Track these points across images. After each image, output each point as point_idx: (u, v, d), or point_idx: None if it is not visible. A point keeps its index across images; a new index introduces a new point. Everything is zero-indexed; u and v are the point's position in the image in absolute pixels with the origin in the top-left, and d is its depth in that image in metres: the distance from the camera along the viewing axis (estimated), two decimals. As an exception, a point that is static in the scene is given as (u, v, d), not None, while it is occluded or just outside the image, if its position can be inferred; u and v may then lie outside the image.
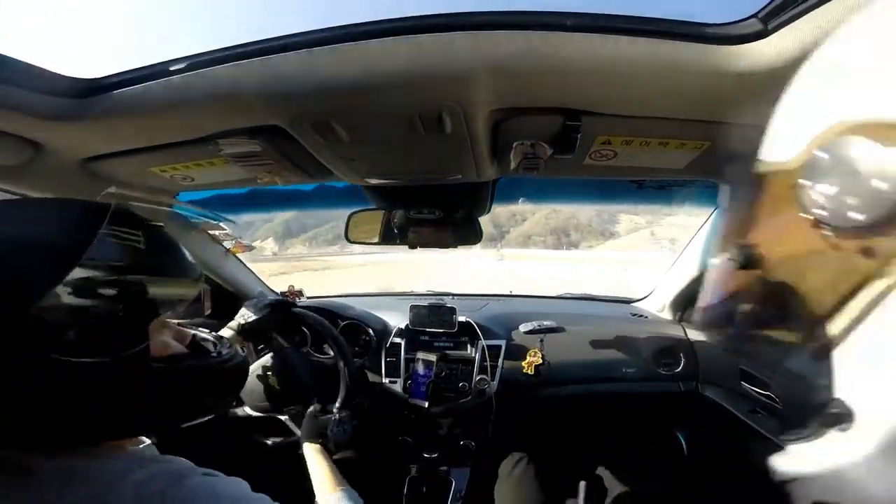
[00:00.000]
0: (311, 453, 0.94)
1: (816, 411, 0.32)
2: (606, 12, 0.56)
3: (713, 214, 1.28)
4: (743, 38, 0.56)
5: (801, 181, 0.31)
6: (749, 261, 0.37)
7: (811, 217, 0.30)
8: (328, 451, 0.96)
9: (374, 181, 1.08)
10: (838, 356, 0.30)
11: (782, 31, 0.53)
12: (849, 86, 0.30)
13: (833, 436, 0.30)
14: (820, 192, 0.29)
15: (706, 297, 0.48)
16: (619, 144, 0.82)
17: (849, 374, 0.30)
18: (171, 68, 0.68)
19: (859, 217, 0.26)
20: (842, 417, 0.29)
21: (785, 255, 0.35)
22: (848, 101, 0.30)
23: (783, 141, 0.36)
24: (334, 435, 0.97)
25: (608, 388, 1.43)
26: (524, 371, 1.41)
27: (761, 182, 0.38)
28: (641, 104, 0.69)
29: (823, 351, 0.31)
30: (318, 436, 0.98)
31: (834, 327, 0.30)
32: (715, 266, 0.45)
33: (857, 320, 0.29)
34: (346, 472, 1.11)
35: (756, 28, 0.55)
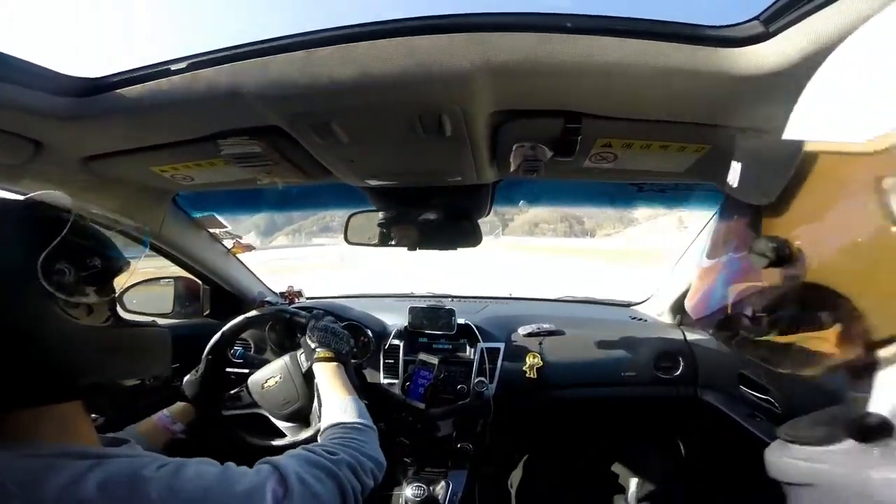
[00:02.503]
0: (324, 367, 0.93)
1: (840, 424, 0.29)
2: (607, 14, 0.56)
3: (713, 218, 1.28)
4: (744, 41, 0.56)
5: (889, 170, 0.24)
6: (784, 257, 0.31)
7: None
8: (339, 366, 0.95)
9: (373, 182, 1.08)
10: (885, 377, 0.27)
11: (784, 33, 0.53)
12: None
13: (858, 449, 0.27)
14: None
15: (714, 298, 0.43)
16: (619, 147, 0.82)
17: (889, 394, 0.27)
18: (172, 68, 0.68)
19: None
20: (874, 433, 0.26)
21: (842, 256, 0.29)
22: None
23: (853, 117, 0.28)
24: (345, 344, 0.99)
25: (607, 391, 1.42)
26: (526, 375, 1.41)
27: (811, 166, 0.31)
28: (642, 107, 0.69)
29: (862, 367, 0.28)
30: (331, 348, 0.97)
31: (890, 347, 0.26)
32: (730, 263, 0.40)
33: None
34: None
35: (758, 31, 0.55)
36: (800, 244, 0.31)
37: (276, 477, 0.51)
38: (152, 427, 0.91)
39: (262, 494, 0.48)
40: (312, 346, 0.98)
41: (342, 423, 0.74)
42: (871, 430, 0.26)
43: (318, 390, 0.91)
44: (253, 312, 1.19)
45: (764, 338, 0.35)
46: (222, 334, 1.15)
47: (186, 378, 1.12)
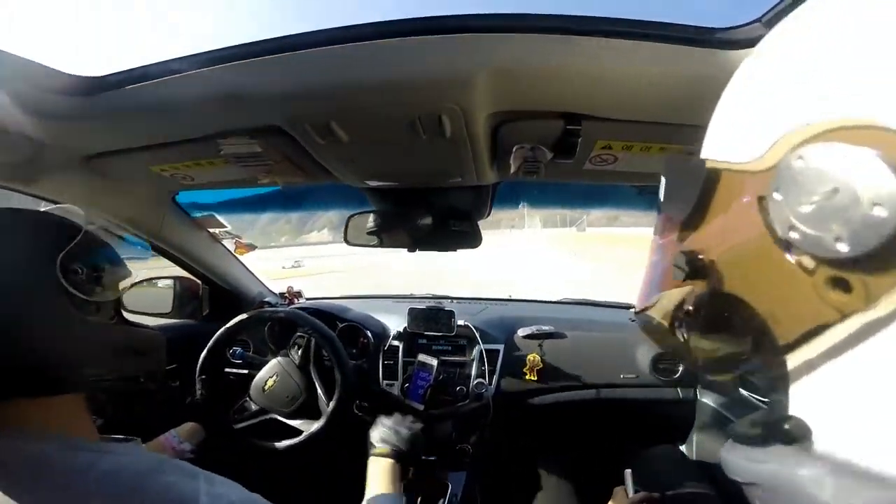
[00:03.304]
0: (376, 462, 0.94)
1: (770, 426, 0.30)
2: (607, 16, 0.56)
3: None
4: (745, 43, 0.56)
5: (769, 190, 0.26)
6: (694, 271, 0.32)
7: (777, 235, 0.25)
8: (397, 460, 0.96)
9: (373, 183, 1.08)
10: (797, 383, 0.28)
11: None
12: (848, 79, 0.24)
13: (786, 450, 0.28)
14: (793, 210, 0.24)
15: (648, 298, 0.43)
16: (619, 149, 0.82)
17: (803, 399, 0.28)
18: (173, 67, 0.68)
19: (843, 248, 0.22)
20: (796, 435, 0.27)
21: (738, 270, 0.30)
22: (840, 96, 0.24)
23: (744, 135, 0.30)
24: (407, 443, 0.98)
25: (606, 393, 1.42)
26: (527, 377, 1.40)
27: (712, 180, 0.33)
28: (642, 108, 0.69)
29: (777, 376, 0.29)
30: (390, 445, 0.97)
31: (793, 355, 0.27)
32: (659, 268, 0.41)
33: (825, 355, 0.25)
34: (342, 473, 1.08)
35: (759, 33, 0.55)
36: (710, 257, 0.32)
37: None
38: (159, 447, 0.93)
39: None
40: (372, 440, 0.99)
41: None
42: (791, 433, 0.27)
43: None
44: (235, 320, 1.20)
45: (684, 339, 0.37)
46: (209, 351, 1.16)
47: (189, 401, 1.13)
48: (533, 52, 0.57)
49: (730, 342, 0.33)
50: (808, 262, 0.24)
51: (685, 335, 0.36)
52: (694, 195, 0.34)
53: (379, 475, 0.90)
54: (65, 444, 0.44)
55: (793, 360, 0.27)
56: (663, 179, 0.40)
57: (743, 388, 1.15)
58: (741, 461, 0.33)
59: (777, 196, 0.25)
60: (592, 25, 0.56)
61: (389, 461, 0.93)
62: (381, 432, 0.98)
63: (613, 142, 0.79)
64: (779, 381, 0.28)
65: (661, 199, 0.40)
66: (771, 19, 0.54)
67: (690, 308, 0.35)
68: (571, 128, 0.73)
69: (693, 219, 0.34)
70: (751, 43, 0.55)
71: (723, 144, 0.33)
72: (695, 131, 0.73)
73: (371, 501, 0.82)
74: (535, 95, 0.67)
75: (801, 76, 0.27)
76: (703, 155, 0.36)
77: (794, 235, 0.24)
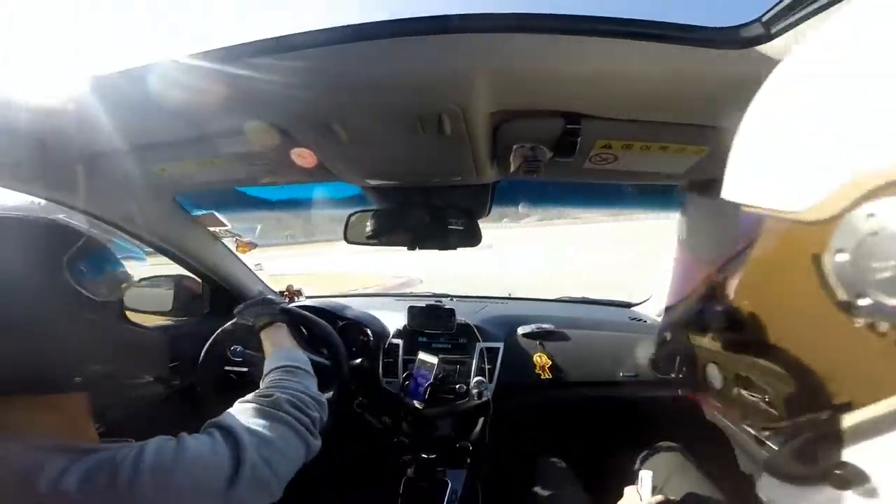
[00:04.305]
0: (264, 333, 0.96)
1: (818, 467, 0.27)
2: (607, 15, 0.56)
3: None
4: (745, 42, 0.56)
5: (829, 248, 0.22)
6: (731, 324, 0.30)
7: (840, 298, 0.22)
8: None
9: (373, 182, 1.08)
10: (860, 441, 0.24)
11: (785, 35, 0.53)
12: None
13: (840, 495, 0.25)
14: (863, 275, 0.20)
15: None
16: (619, 148, 0.82)
17: (864, 451, 0.24)
18: (173, 67, 0.68)
19: None
20: (848, 480, 0.24)
21: (780, 324, 0.27)
22: None
23: (789, 177, 0.25)
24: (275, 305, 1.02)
25: (605, 392, 1.43)
26: (542, 377, 1.41)
27: (755, 226, 0.29)
28: (641, 108, 0.69)
29: (830, 431, 0.26)
30: (267, 316, 0.99)
31: (855, 413, 0.24)
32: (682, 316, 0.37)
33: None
34: (342, 471, 1.08)
35: (758, 32, 0.55)
36: (750, 307, 0.29)
37: (229, 438, 0.54)
38: None
39: (220, 456, 0.51)
40: (251, 322, 1.00)
41: (274, 369, 0.78)
42: (842, 478, 0.25)
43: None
44: (218, 331, 1.20)
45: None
46: (209, 349, 1.17)
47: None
48: (533, 51, 0.57)
49: (768, 391, 0.30)
50: (882, 326, 0.21)
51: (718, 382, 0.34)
52: (725, 240, 0.31)
53: (270, 338, 0.93)
54: (56, 448, 0.44)
55: (854, 417, 0.24)
56: (685, 218, 0.39)
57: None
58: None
59: (841, 258, 0.22)
60: (592, 25, 0.56)
61: (275, 325, 0.96)
62: (248, 311, 1.01)
63: (613, 141, 0.79)
64: (831, 435, 0.25)
65: (685, 238, 0.37)
66: (770, 19, 0.54)
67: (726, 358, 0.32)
68: (571, 127, 0.73)
69: (725, 265, 0.31)
70: (750, 42, 0.55)
71: (758, 185, 0.29)
72: (694, 130, 0.74)
73: (271, 355, 0.84)
74: (535, 95, 0.67)
75: (861, 106, 0.22)
76: (730, 196, 0.31)
77: (864, 302, 0.21)
